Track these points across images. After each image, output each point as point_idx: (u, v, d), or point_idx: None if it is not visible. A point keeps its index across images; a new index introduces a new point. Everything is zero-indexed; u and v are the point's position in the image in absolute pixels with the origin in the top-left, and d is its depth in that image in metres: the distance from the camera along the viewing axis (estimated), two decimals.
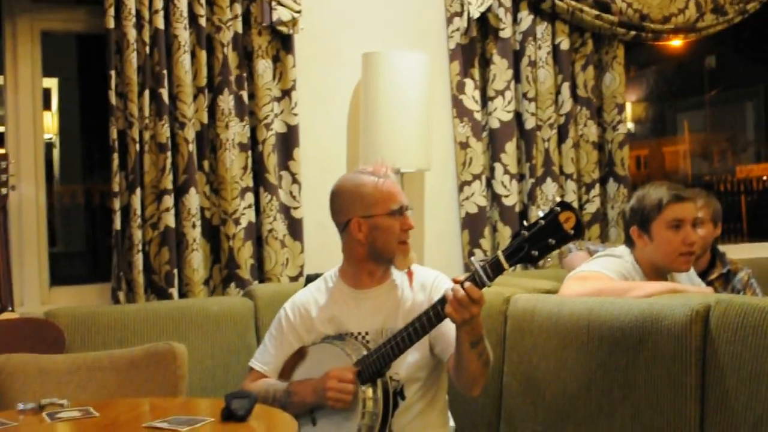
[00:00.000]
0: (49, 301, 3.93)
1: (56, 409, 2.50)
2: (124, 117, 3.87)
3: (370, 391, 2.78)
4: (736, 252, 4.45)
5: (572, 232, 2.51)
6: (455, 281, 2.61)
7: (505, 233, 4.52)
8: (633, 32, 4.79)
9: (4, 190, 3.58)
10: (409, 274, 3.05)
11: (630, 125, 7.05)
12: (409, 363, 2.92)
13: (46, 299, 3.95)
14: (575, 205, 4.61)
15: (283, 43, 4.15)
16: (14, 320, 3.39)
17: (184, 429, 2.28)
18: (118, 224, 3.85)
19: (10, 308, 3.43)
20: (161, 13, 3.89)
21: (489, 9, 4.46)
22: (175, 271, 3.90)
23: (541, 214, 2.55)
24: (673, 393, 2.71)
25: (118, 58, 3.87)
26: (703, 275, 3.94)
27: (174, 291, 3.88)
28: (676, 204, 3.28)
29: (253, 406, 2.36)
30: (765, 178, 8.64)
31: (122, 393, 2.92)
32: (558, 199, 4.08)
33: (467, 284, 2.57)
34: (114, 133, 3.85)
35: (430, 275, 3.07)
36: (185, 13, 3.93)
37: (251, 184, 4.08)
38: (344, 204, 3.01)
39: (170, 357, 3.02)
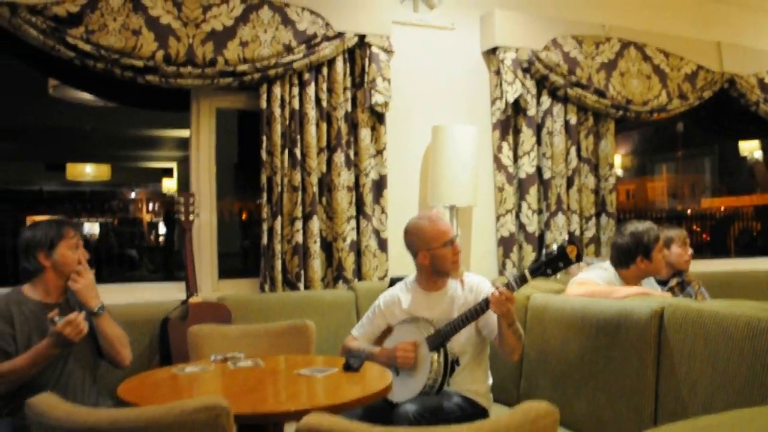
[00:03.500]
0: (217, 290, 4.14)
1: (236, 359, 2.75)
2: (270, 167, 4.08)
3: (436, 356, 3.02)
4: (700, 266, 4.63)
5: (575, 259, 2.82)
6: (496, 288, 2.90)
7: (528, 250, 4.66)
8: (621, 112, 4.93)
9: (192, 217, 3.89)
10: (461, 281, 3.30)
11: (619, 172, 7.19)
12: (461, 341, 3.15)
13: (215, 288, 4.17)
14: (577, 232, 4.78)
15: (378, 118, 4.31)
16: (200, 303, 3.68)
17: (320, 375, 2.53)
18: (265, 240, 4.06)
19: (195, 294, 3.72)
20: (297, 98, 4.10)
21: (520, 95, 4.62)
22: (302, 272, 4.09)
23: (555, 246, 2.84)
24: (638, 364, 2.89)
25: (267, 127, 4.08)
26: (666, 282, 4.09)
27: (301, 285, 4.08)
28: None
29: (363, 361, 2.60)
30: (722, 208, 8.70)
31: (272, 352, 3.09)
32: (566, 237, 4.34)
33: (504, 289, 2.88)
34: (264, 178, 4.08)
35: (476, 280, 3.29)
36: (313, 98, 4.14)
37: (354, 214, 4.24)
38: (412, 241, 3.28)
39: (305, 329, 3.24)
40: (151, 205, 12.20)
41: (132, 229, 11.30)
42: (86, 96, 5.59)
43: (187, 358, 3.16)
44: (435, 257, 3.22)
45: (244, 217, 6.75)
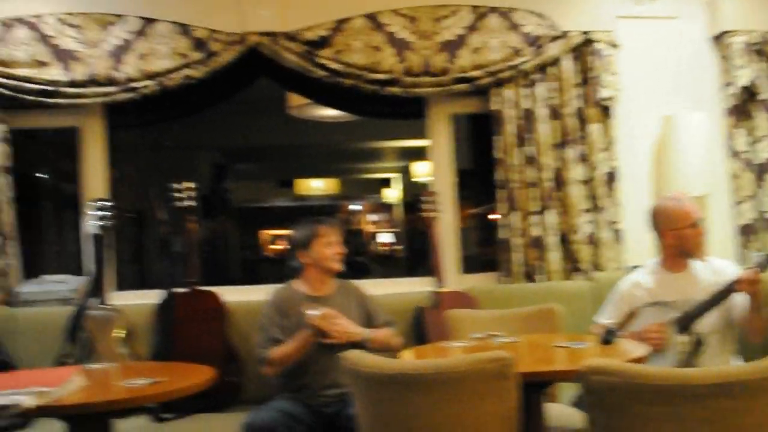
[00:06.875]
0: (461, 283, 4.42)
1: (497, 336, 3.03)
2: (505, 166, 4.41)
3: (683, 338, 3.17)
4: None
5: None
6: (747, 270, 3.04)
7: (767, 238, 4.64)
8: None
9: (434, 214, 4.30)
10: (706, 262, 3.45)
11: None
12: (707, 323, 3.26)
13: (459, 282, 4.45)
14: None
15: (606, 112, 4.47)
16: (449, 292, 4.10)
17: (576, 346, 2.80)
18: (503, 234, 4.40)
19: (444, 285, 4.14)
20: (527, 98, 4.41)
21: (753, 79, 4.61)
22: (540, 264, 4.37)
23: None
24: None
25: (500, 128, 4.40)
26: None
27: (539, 277, 4.36)
28: None
29: (615, 337, 2.85)
30: None
31: (521, 333, 3.26)
32: None
33: (755, 269, 3.02)
34: (500, 176, 4.41)
35: (722, 264, 3.44)
36: (542, 97, 4.42)
37: (588, 207, 4.42)
38: (658, 221, 3.47)
39: (552, 313, 3.52)
40: (373, 216, 12.99)
41: (356, 239, 12.12)
42: (323, 113, 6.24)
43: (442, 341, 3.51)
44: (680, 237, 3.39)
45: (467, 217, 7.08)
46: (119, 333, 3.62)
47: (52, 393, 2.25)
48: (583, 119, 4.51)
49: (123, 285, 4.55)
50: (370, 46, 4.31)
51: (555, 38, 4.44)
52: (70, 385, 2.39)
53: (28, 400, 2.12)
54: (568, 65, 4.47)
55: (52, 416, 2.67)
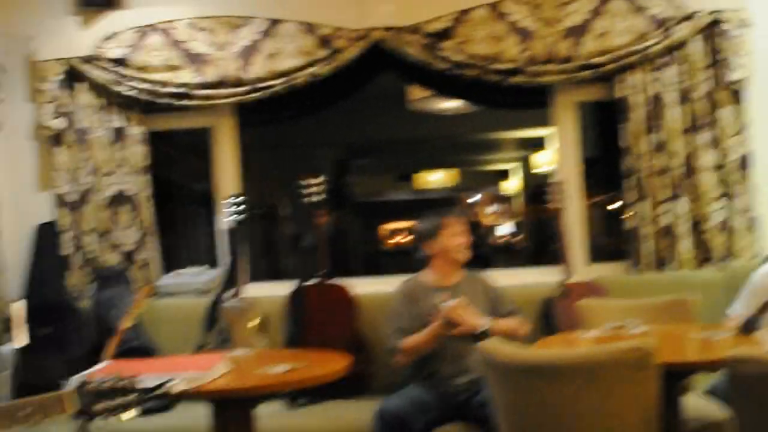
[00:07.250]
0: (589, 272, 4.37)
1: (632, 326, 3.00)
2: (632, 153, 4.32)
3: None
4: None
5: None
6: None
7: None
8: None
9: (560, 204, 4.27)
10: None
11: None
12: None
13: (587, 271, 4.40)
14: None
15: (739, 94, 4.31)
16: (577, 282, 4.09)
17: (714, 337, 2.75)
18: (632, 223, 4.33)
19: (572, 275, 4.11)
20: (654, 83, 4.30)
21: None
22: (670, 253, 4.27)
23: None
24: None
25: (626, 114, 4.32)
26: None
27: (669, 266, 4.27)
28: None
29: (754, 328, 2.78)
30: None
31: (653, 323, 3.18)
32: None
33: None
34: (627, 164, 4.33)
35: None
36: (670, 81, 4.29)
37: (720, 194, 4.28)
38: None
39: (684, 303, 3.44)
40: (491, 207, 12.96)
41: (475, 230, 12.12)
42: (442, 106, 6.30)
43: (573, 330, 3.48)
44: None
45: (591, 206, 6.99)
46: (254, 322, 3.79)
47: (202, 378, 2.39)
48: (713, 103, 4.36)
49: (255, 277, 4.73)
50: (492, 35, 4.32)
51: (682, 19, 4.31)
52: (218, 370, 2.53)
53: (181, 384, 2.26)
54: (696, 47, 4.33)
55: (201, 400, 2.83)
